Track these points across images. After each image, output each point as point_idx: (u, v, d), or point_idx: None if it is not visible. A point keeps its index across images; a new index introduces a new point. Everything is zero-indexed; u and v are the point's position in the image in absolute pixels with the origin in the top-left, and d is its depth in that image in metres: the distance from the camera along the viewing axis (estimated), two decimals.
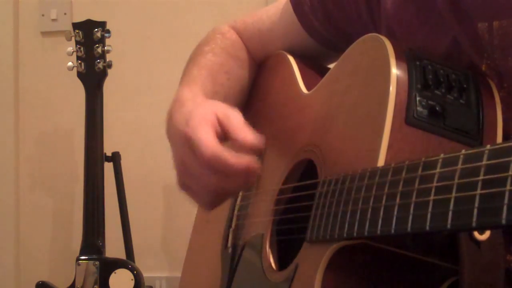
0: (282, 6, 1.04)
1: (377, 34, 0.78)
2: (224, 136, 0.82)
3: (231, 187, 0.82)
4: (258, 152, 0.80)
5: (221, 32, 1.09)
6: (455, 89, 0.72)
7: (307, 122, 0.90)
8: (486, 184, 0.52)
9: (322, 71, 0.96)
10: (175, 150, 0.87)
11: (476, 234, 0.62)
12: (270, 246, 0.90)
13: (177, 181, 0.87)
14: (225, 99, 0.98)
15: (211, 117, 0.82)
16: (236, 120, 0.82)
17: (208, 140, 0.79)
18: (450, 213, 0.54)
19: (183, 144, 0.83)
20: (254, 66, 1.10)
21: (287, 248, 0.88)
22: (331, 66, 0.98)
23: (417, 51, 0.75)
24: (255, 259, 0.92)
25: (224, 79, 1.02)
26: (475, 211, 0.52)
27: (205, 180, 0.81)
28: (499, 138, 0.72)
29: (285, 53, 1.04)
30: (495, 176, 0.51)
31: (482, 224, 0.52)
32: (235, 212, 1.02)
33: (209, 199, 0.86)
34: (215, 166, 0.79)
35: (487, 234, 0.63)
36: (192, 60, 1.05)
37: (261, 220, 0.94)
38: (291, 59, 1.02)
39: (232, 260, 0.98)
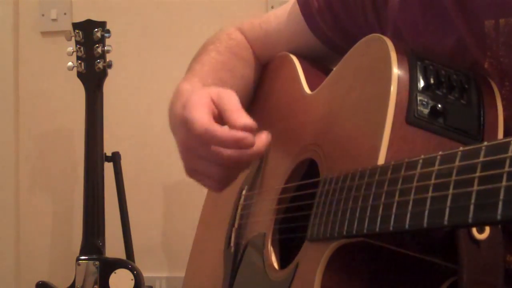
0: (289, 8, 1.05)
1: (379, 35, 0.78)
2: (220, 118, 0.82)
3: (231, 161, 0.81)
4: (252, 132, 0.79)
5: (227, 33, 1.10)
6: (456, 89, 0.73)
7: (309, 122, 0.90)
8: (482, 180, 0.52)
9: (326, 72, 0.97)
10: (178, 138, 0.88)
11: (475, 233, 0.63)
12: (272, 245, 0.91)
13: (185, 168, 0.87)
14: None
15: (206, 100, 0.83)
16: (230, 101, 0.82)
17: (201, 118, 0.80)
18: (447, 210, 0.55)
19: (182, 128, 0.83)
20: (258, 66, 1.11)
21: (289, 247, 0.88)
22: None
23: (419, 52, 0.76)
24: (257, 258, 0.92)
25: (227, 76, 1.03)
26: (472, 207, 0.52)
27: (207, 157, 0.82)
28: (500, 138, 0.72)
29: (289, 54, 1.05)
30: (491, 172, 0.52)
31: (478, 220, 0.52)
32: (238, 211, 1.03)
33: (217, 178, 0.85)
34: (209, 141, 0.79)
35: (486, 233, 0.63)
36: (196, 58, 1.06)
37: (263, 219, 0.94)
38: (295, 60, 1.03)
39: (235, 259, 0.99)
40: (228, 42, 1.08)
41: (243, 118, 0.79)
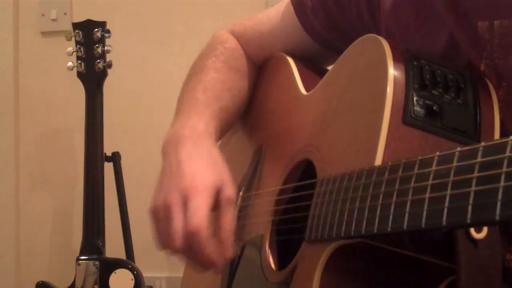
0: (283, 8, 1.05)
1: (374, 35, 0.78)
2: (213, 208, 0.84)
3: (188, 258, 0.85)
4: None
5: (221, 41, 1.10)
6: (452, 89, 0.73)
7: (306, 123, 0.90)
8: (480, 181, 0.52)
9: (321, 72, 0.97)
10: (166, 178, 0.87)
11: (473, 232, 0.63)
12: (270, 246, 0.91)
13: (151, 203, 0.86)
14: (228, 120, 1.03)
15: (213, 191, 0.84)
16: (226, 215, 0.85)
17: (202, 213, 0.81)
18: (445, 210, 0.55)
19: (176, 191, 0.83)
20: (254, 73, 1.11)
21: (287, 248, 0.88)
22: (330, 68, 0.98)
23: (415, 52, 0.75)
24: (255, 259, 0.92)
25: (227, 98, 1.03)
26: (470, 207, 0.52)
27: (174, 235, 0.81)
28: (497, 138, 0.72)
29: (285, 55, 1.05)
30: (489, 172, 0.51)
31: (477, 221, 0.52)
32: (236, 213, 1.03)
33: (165, 245, 0.84)
34: (190, 237, 0.80)
35: (484, 232, 0.63)
36: (195, 75, 1.05)
37: (261, 220, 0.94)
38: (291, 61, 1.03)
39: (232, 261, 0.98)
40: (223, 53, 1.08)
41: (228, 248, 0.83)
